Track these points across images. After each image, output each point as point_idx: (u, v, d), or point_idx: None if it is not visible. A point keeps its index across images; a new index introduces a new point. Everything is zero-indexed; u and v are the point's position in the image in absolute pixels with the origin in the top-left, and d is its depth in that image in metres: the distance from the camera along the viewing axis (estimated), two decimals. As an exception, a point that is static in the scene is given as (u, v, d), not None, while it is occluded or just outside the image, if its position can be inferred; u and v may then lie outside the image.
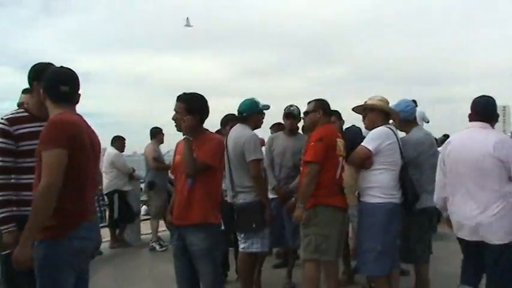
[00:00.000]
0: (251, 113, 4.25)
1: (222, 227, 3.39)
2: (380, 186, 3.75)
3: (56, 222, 2.30)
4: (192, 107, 3.27)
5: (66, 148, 2.30)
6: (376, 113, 3.94)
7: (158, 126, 7.54)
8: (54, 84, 2.50)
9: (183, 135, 3.25)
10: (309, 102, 4.14)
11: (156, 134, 7.39)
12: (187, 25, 27.15)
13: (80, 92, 2.58)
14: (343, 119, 5.01)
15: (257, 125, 4.36)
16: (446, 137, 10.48)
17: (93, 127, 2.66)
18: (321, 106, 4.06)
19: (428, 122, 11.21)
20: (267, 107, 4.41)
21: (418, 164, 4.04)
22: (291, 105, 4.85)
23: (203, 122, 3.35)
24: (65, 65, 2.59)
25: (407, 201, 3.82)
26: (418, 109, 10.82)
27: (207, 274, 3.21)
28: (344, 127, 4.87)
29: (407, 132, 4.18)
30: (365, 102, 4.01)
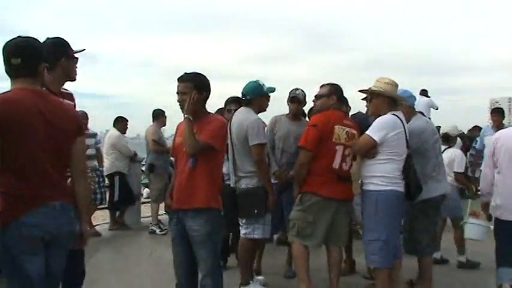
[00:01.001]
0: (255, 96, 4.13)
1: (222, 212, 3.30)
2: (383, 175, 3.62)
3: (2, 208, 2.18)
4: (199, 84, 3.18)
5: None
6: (381, 98, 3.75)
7: (161, 108, 7.46)
8: (5, 57, 2.30)
9: (184, 114, 3.14)
10: (321, 86, 4.00)
11: (159, 116, 7.30)
12: None
13: (43, 63, 2.32)
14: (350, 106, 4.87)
15: (262, 108, 4.23)
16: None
17: (81, 106, 2.53)
18: (335, 91, 3.93)
19: (437, 109, 11.08)
20: (272, 90, 4.27)
21: (423, 152, 3.97)
22: (296, 89, 4.65)
23: (206, 102, 3.24)
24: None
25: (410, 193, 3.70)
26: (425, 97, 10.71)
27: (206, 260, 3.12)
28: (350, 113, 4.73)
29: (407, 121, 4.02)
30: (370, 87, 3.84)
